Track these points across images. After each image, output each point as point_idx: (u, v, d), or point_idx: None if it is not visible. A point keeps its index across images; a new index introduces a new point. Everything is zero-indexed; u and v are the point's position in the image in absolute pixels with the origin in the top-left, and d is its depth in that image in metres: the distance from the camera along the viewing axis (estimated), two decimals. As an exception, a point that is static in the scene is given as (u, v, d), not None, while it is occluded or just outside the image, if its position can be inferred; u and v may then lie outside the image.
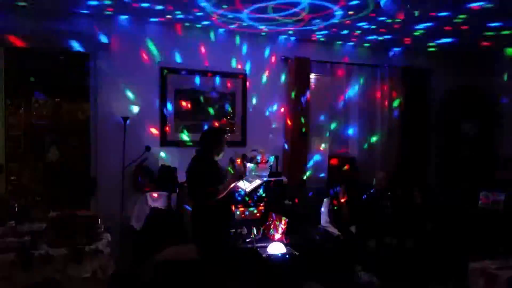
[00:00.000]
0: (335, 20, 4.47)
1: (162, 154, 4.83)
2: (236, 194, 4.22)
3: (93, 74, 4.61)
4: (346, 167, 5.52)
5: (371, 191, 5.05)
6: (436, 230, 4.82)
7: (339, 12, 4.18)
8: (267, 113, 5.31)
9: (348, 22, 4.53)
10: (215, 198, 3.46)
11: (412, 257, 4.53)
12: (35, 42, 4.43)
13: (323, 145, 5.49)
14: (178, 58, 4.88)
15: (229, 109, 5.12)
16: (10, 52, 4.52)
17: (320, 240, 4.60)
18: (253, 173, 4.42)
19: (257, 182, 4.30)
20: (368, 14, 4.22)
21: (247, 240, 4.13)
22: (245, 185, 4.08)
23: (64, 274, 3.09)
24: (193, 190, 3.59)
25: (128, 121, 4.49)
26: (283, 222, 4.20)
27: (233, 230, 4.08)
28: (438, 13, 4.14)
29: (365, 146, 5.70)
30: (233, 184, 3.64)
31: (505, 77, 5.75)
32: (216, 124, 5.03)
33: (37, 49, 4.61)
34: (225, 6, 4.08)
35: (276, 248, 3.96)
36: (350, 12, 4.18)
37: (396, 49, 5.87)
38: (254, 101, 5.23)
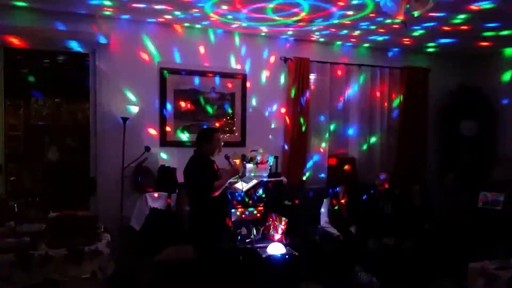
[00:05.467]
0: (334, 21, 4.47)
1: (162, 154, 4.84)
2: (236, 194, 4.23)
3: (92, 74, 4.61)
4: (346, 167, 5.51)
5: (371, 191, 5.06)
6: (436, 230, 4.82)
7: (338, 12, 4.17)
8: (266, 114, 5.32)
9: (347, 22, 4.52)
10: (212, 193, 3.49)
11: (411, 257, 4.54)
12: (35, 42, 4.44)
13: (322, 145, 5.50)
14: (177, 59, 4.88)
15: (229, 109, 5.12)
16: (10, 52, 4.53)
17: (320, 240, 4.61)
18: (253, 174, 4.42)
19: (254, 182, 4.30)
20: (367, 14, 4.22)
21: (247, 240, 4.13)
22: (242, 185, 4.09)
23: (64, 274, 3.09)
24: (189, 188, 3.66)
25: (127, 121, 4.49)
26: (283, 222, 4.20)
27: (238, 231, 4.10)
28: (437, 14, 4.14)
29: (365, 146, 5.70)
30: (230, 179, 3.70)
31: (505, 77, 5.75)
32: (217, 124, 5.03)
33: (37, 49, 4.61)
34: (224, 7, 4.08)
35: (276, 249, 3.96)
36: (350, 13, 4.18)
37: (395, 49, 5.87)
38: (253, 101, 5.23)
